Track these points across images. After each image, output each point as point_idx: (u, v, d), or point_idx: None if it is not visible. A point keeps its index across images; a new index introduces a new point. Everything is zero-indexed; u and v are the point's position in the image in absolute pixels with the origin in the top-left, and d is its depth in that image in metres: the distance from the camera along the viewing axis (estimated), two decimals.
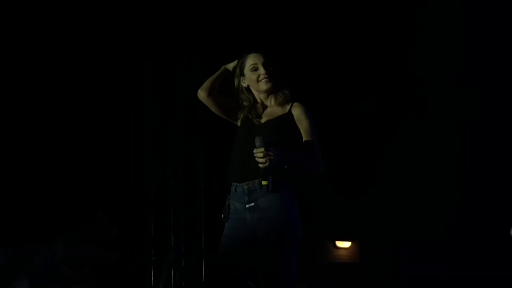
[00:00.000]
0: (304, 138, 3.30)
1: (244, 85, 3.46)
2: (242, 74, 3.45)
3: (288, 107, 3.37)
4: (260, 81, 3.40)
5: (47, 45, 5.69)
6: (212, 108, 3.53)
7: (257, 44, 3.52)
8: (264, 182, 3.19)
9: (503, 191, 6.22)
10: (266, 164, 3.09)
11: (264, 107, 3.45)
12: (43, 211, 5.68)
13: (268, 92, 3.42)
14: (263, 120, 3.38)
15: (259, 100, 3.46)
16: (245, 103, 3.44)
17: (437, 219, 7.24)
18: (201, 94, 3.51)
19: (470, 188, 7.08)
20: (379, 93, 7.33)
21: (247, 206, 3.23)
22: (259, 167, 3.15)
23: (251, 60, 3.43)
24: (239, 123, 3.45)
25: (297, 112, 3.34)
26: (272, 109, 3.41)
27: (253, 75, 3.41)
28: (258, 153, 3.09)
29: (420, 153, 7.44)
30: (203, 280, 5.75)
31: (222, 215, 3.32)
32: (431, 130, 7.32)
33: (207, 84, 3.51)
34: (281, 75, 3.43)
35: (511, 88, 6.46)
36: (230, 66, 3.55)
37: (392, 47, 6.86)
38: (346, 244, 9.13)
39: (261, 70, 3.40)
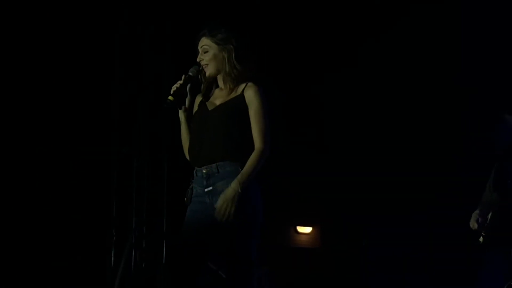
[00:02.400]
0: (252, 121, 3.25)
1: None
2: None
3: (242, 87, 3.32)
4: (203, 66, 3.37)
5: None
6: None
7: (222, 18, 3.46)
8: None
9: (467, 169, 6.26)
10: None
11: (221, 89, 3.40)
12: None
13: (212, 76, 3.36)
14: (216, 103, 3.35)
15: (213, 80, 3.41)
16: (202, 88, 3.42)
17: (397, 201, 7.31)
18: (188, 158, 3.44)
19: (432, 162, 7.13)
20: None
21: (206, 190, 3.25)
22: (215, 151, 3.18)
23: (197, 45, 3.38)
24: (195, 108, 3.44)
25: (248, 93, 3.28)
26: (225, 91, 3.36)
27: (200, 61, 3.37)
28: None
29: (380, 133, 7.48)
30: (164, 261, 5.75)
31: (185, 198, 3.33)
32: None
33: (184, 150, 3.44)
34: (229, 55, 3.30)
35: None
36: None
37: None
38: (307, 230, 9.18)
39: (198, 56, 3.35)
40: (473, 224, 4.30)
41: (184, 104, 3.39)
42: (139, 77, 6.07)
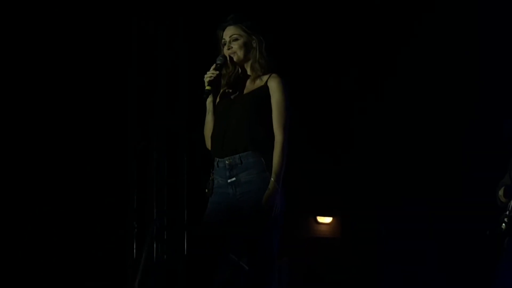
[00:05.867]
0: (274, 113, 3.26)
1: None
2: (219, 50, 3.42)
3: (266, 78, 3.32)
4: (229, 55, 3.37)
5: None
6: None
7: (241, 12, 3.46)
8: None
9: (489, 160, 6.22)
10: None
11: (245, 77, 3.40)
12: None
13: (241, 63, 3.37)
14: (239, 94, 3.36)
15: (240, 71, 3.42)
16: (223, 79, 3.42)
17: (418, 193, 7.30)
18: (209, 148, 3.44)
19: (454, 162, 7.11)
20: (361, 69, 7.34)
21: (229, 181, 3.25)
22: (238, 142, 3.17)
23: (221, 35, 3.38)
24: (217, 98, 3.43)
25: (272, 84, 3.29)
26: (251, 81, 3.37)
27: (225, 50, 3.37)
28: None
29: (401, 128, 7.46)
30: (185, 253, 5.76)
31: (206, 190, 3.33)
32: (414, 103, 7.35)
33: (206, 140, 3.44)
34: (259, 44, 3.33)
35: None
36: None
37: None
38: (327, 220, 9.18)
39: (227, 46, 3.35)
40: (502, 197, 4.10)
41: (216, 93, 3.40)
42: (155, 67, 6.07)
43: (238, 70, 3.41)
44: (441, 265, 7.41)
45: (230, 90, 3.39)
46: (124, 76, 6.05)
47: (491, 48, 6.57)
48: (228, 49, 3.35)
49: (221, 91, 3.43)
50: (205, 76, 3.31)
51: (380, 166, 7.65)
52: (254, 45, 3.34)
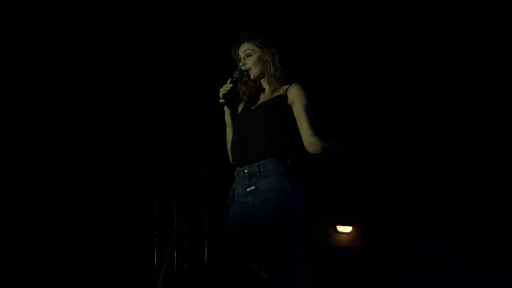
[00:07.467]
0: (299, 118, 3.27)
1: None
2: (237, 66, 3.46)
3: (285, 88, 3.34)
4: (246, 71, 3.40)
5: (41, 30, 5.73)
6: None
7: (257, 25, 3.49)
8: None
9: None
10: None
11: (263, 90, 3.44)
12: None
13: (257, 79, 3.41)
14: (258, 105, 3.39)
15: (257, 84, 3.46)
16: (242, 90, 3.45)
17: (439, 204, 7.27)
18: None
19: (474, 173, 7.07)
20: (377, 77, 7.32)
21: (248, 189, 3.26)
22: (256, 150, 3.19)
23: (238, 52, 3.43)
24: (239, 109, 3.47)
25: (292, 92, 3.30)
26: (269, 92, 3.40)
27: (242, 66, 3.41)
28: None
29: (421, 137, 7.43)
30: (205, 261, 5.78)
31: (228, 199, 3.36)
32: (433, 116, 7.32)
33: (229, 153, 3.47)
34: (273, 58, 3.36)
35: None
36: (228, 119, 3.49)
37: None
38: (347, 229, 9.15)
39: (242, 62, 3.39)
40: None
41: (232, 107, 3.43)
42: (176, 76, 6.11)
43: (257, 85, 3.44)
44: (461, 274, 7.36)
45: (249, 103, 3.43)
46: (146, 85, 6.10)
47: None
48: (243, 65, 3.39)
49: (242, 105, 3.46)
50: (221, 89, 3.35)
51: (400, 175, 7.62)
52: (268, 58, 3.37)
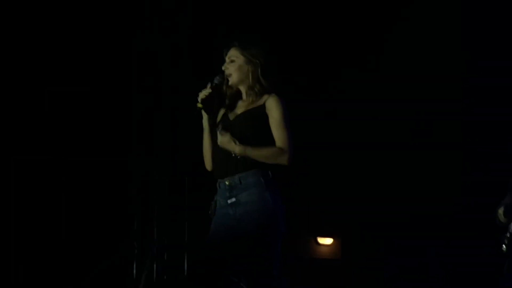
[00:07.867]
0: (274, 129, 3.27)
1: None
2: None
3: (264, 98, 3.34)
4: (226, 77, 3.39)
5: (20, 31, 5.70)
6: None
7: (245, 31, 3.50)
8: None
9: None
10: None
11: (243, 100, 3.43)
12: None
13: (235, 86, 3.40)
14: (238, 114, 3.37)
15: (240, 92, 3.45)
16: (227, 98, 3.44)
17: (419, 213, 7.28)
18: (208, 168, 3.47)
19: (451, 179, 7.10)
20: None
21: (229, 201, 3.26)
22: (237, 162, 3.17)
23: (224, 55, 3.42)
24: (218, 119, 3.45)
25: (270, 103, 3.31)
26: (248, 101, 3.39)
27: (225, 70, 3.40)
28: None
29: (403, 145, 7.43)
30: (185, 274, 5.74)
31: (209, 211, 3.34)
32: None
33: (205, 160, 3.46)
34: (254, 70, 3.36)
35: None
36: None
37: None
38: (328, 241, 9.14)
39: (224, 66, 3.39)
40: (501, 216, 4.04)
41: (211, 112, 3.41)
42: (158, 87, 6.09)
43: (238, 91, 3.43)
44: (445, 283, 7.37)
45: (229, 111, 3.41)
46: (128, 95, 6.06)
47: None
48: (225, 69, 3.38)
49: (222, 111, 3.45)
50: (200, 93, 3.34)
51: (382, 184, 7.62)
52: (250, 69, 3.36)
